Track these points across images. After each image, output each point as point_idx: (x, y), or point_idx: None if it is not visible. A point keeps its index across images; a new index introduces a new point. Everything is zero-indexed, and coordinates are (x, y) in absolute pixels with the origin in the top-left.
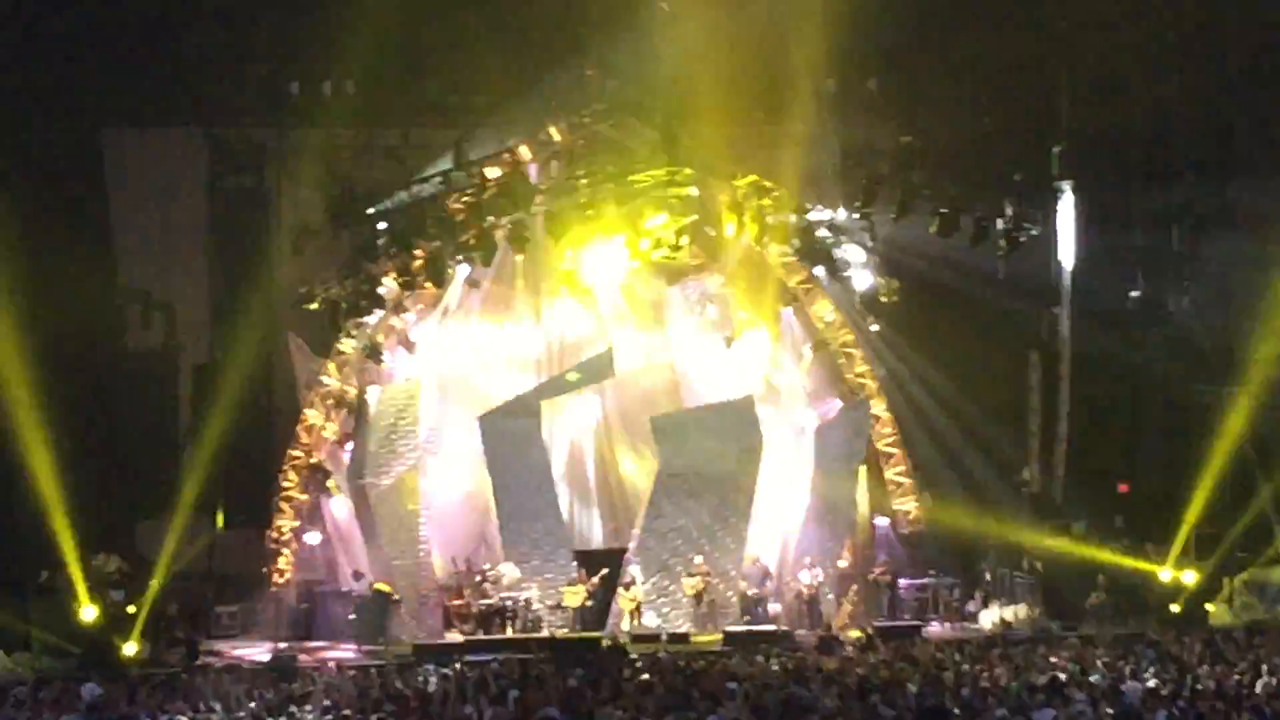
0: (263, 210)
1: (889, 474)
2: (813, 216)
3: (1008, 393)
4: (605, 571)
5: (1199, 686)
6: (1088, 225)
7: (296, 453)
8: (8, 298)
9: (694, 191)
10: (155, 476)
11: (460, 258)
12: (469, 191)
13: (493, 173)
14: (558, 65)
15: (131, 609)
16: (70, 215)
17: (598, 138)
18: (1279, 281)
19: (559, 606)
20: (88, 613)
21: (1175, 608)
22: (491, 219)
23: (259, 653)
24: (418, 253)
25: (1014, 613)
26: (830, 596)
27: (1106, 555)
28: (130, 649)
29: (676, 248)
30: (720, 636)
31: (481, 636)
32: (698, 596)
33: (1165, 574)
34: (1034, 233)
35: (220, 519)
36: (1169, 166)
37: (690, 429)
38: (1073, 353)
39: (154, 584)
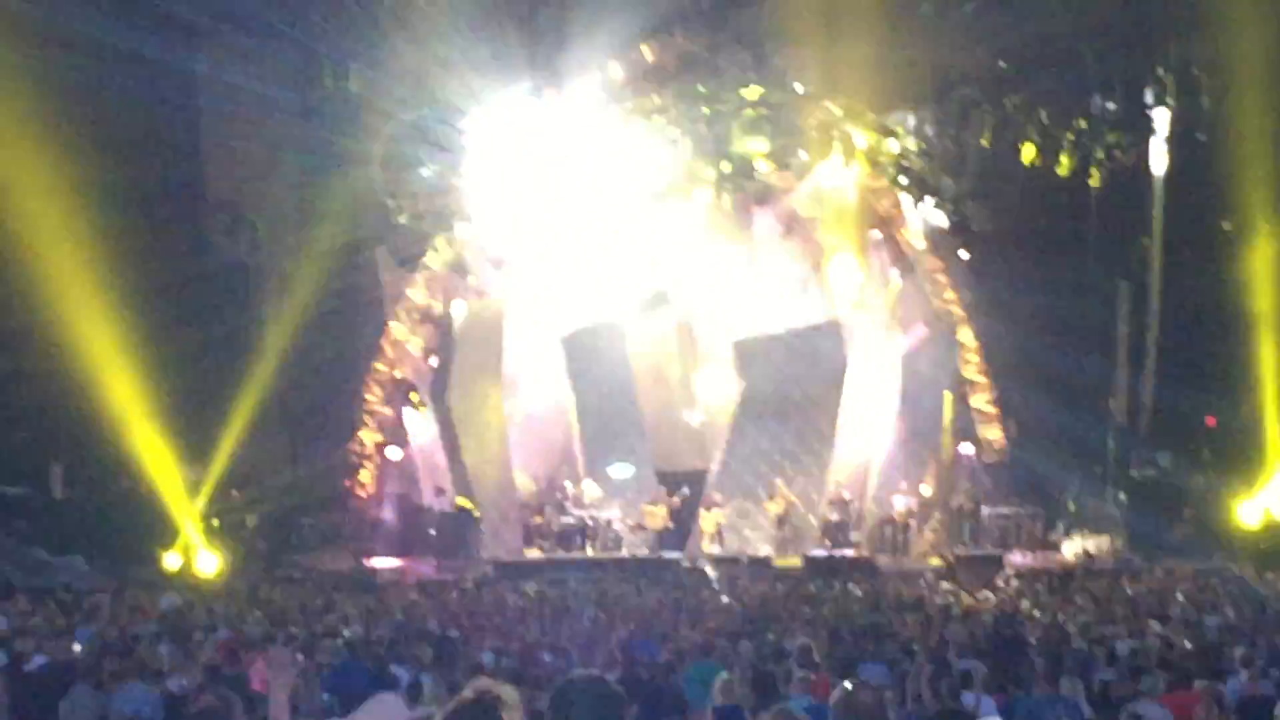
0: (353, 124)
1: (974, 402)
2: (904, 142)
3: (1096, 323)
4: (686, 492)
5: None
6: (1182, 156)
7: (381, 366)
8: (95, 210)
9: (785, 113)
10: (238, 389)
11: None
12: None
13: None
14: None
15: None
16: (160, 125)
17: (689, 56)
18: None
19: (639, 526)
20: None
21: (1260, 543)
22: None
23: (339, 565)
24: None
25: (1096, 544)
26: (914, 524)
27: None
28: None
29: (765, 169)
30: (800, 561)
31: (561, 554)
32: (779, 520)
33: (1247, 507)
34: (1126, 162)
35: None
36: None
37: (775, 353)
38: (1163, 283)
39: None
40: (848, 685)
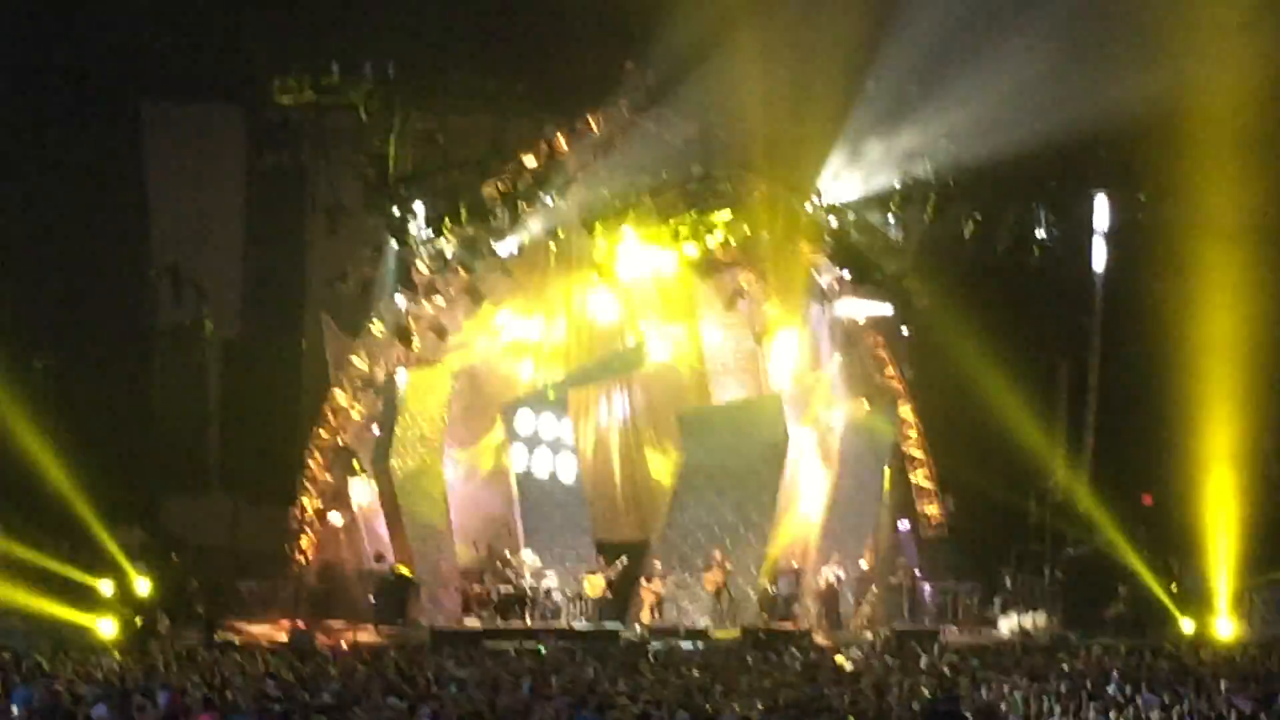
0: (298, 190)
1: (913, 477)
2: (845, 218)
3: (1036, 401)
4: (624, 561)
5: (1214, 700)
6: (1121, 235)
7: (323, 433)
8: (40, 269)
9: (729, 187)
10: (182, 453)
11: (493, 244)
12: (504, 178)
13: (529, 161)
14: (597, 57)
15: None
16: (107, 188)
17: (634, 130)
18: None
19: (579, 596)
20: (105, 587)
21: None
22: (526, 206)
23: (277, 632)
24: (450, 237)
25: (1033, 620)
26: (850, 597)
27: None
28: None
29: (710, 243)
30: (738, 633)
31: (500, 624)
32: (717, 592)
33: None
34: (1064, 240)
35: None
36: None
37: (716, 424)
38: (1101, 362)
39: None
40: None
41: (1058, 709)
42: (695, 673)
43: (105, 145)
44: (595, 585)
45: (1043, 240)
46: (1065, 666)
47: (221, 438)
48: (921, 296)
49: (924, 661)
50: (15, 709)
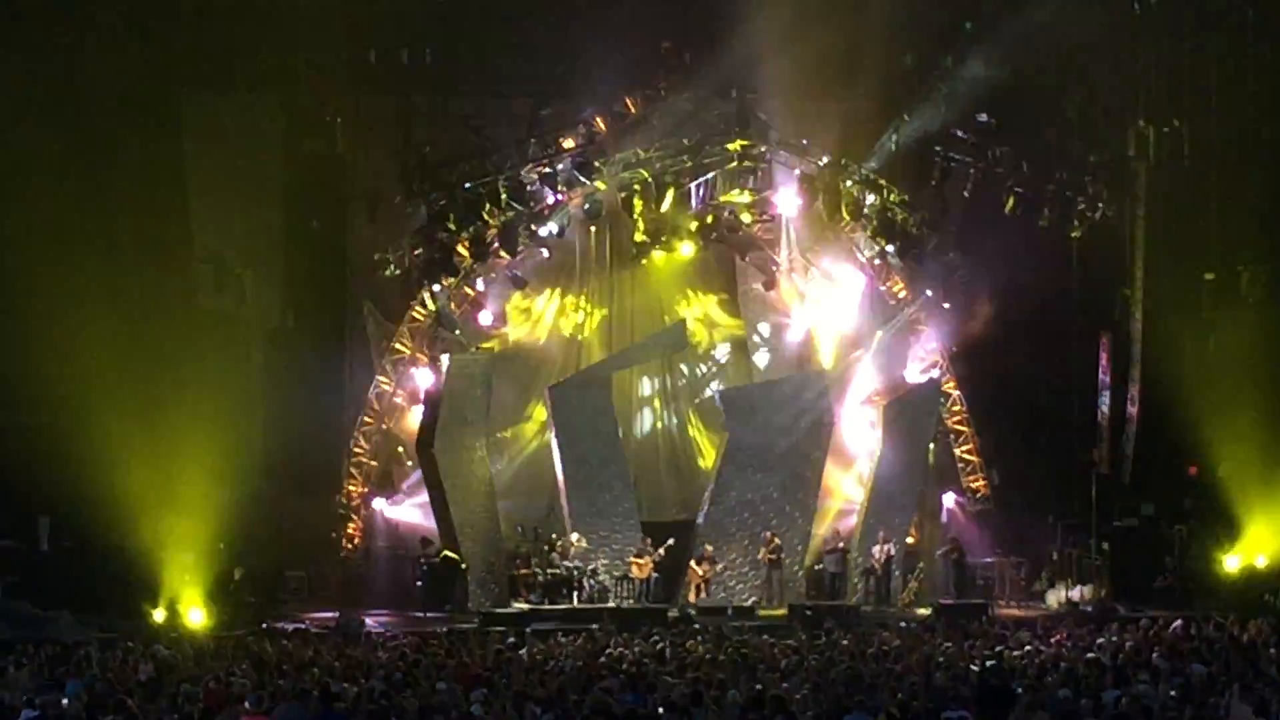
0: (337, 177)
1: (958, 451)
2: (886, 195)
3: (1079, 373)
4: (672, 542)
5: (1265, 672)
6: (1162, 207)
7: (367, 419)
8: (82, 258)
9: (768, 165)
10: (227, 441)
11: (534, 227)
12: (544, 161)
13: (568, 143)
14: (634, 38)
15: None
16: (147, 177)
17: (673, 110)
18: None
19: (625, 577)
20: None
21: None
22: (565, 189)
23: (325, 617)
24: (491, 221)
25: (1080, 593)
26: (898, 573)
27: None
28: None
29: (751, 221)
30: (786, 611)
31: (547, 606)
32: (766, 570)
33: (1232, 561)
34: (1108, 214)
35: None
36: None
37: (760, 403)
38: (1144, 334)
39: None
40: None
41: (1108, 680)
42: (743, 652)
43: (146, 136)
44: (642, 567)
45: (1084, 212)
46: (1114, 639)
47: (266, 425)
48: (963, 271)
49: (972, 636)
50: (65, 701)
